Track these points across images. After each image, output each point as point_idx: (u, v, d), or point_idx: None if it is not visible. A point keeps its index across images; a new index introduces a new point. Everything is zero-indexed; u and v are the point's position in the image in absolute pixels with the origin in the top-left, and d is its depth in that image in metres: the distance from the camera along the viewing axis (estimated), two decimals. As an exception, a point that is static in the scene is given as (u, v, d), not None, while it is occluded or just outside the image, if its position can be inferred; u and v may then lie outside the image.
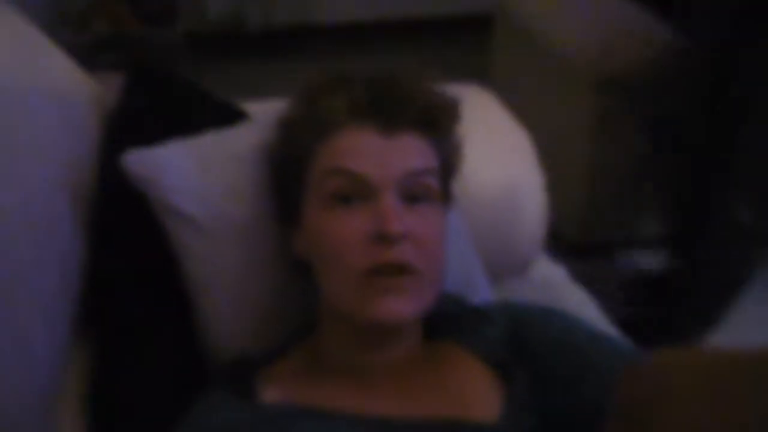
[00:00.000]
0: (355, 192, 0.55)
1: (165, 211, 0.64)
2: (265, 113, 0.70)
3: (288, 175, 0.61)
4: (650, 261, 1.42)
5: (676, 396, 0.34)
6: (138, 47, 1.78)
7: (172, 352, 0.64)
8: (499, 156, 0.85)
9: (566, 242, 1.52)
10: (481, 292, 0.75)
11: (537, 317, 0.61)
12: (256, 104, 0.79)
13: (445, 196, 0.61)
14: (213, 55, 2.18)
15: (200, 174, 0.65)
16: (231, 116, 0.74)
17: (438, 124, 0.59)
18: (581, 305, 0.88)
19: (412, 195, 0.56)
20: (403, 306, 0.53)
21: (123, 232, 0.66)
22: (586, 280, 0.93)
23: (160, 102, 0.71)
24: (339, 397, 0.55)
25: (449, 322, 0.63)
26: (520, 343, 0.59)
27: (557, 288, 0.90)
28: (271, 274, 0.66)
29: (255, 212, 0.65)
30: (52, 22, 1.86)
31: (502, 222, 0.84)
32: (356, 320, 0.55)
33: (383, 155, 0.55)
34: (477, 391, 0.56)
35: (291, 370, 0.60)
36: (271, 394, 0.57)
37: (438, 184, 0.58)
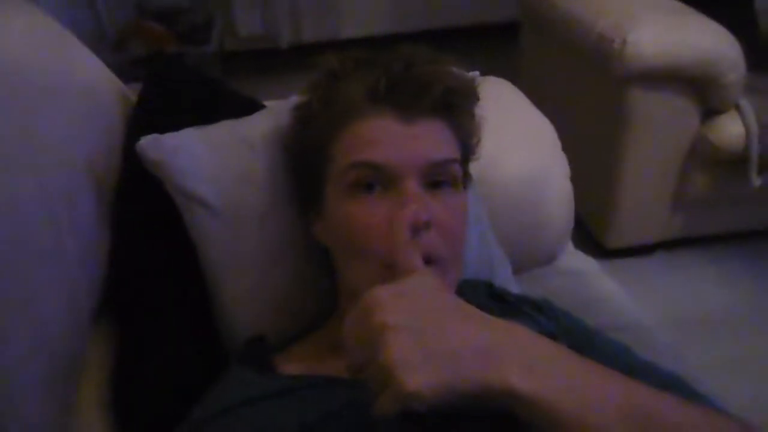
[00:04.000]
0: (378, 180, 0.54)
1: (180, 194, 0.63)
2: (279, 104, 0.70)
3: (307, 162, 0.60)
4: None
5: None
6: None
7: (191, 337, 0.64)
8: (522, 143, 0.84)
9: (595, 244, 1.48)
10: (501, 275, 0.73)
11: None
12: (276, 101, 0.77)
13: (465, 179, 0.60)
14: (245, 71, 2.26)
15: (212, 158, 0.65)
16: (250, 109, 0.73)
17: (457, 109, 0.58)
18: (612, 295, 0.85)
19: (434, 181, 0.55)
20: None
21: (143, 218, 0.66)
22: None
23: (177, 95, 0.72)
24: None
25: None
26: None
27: (586, 277, 0.86)
28: (286, 260, 0.65)
29: (269, 197, 0.65)
30: (93, 44, 1.94)
31: (526, 209, 0.82)
32: None
33: (404, 143, 0.54)
34: None
35: (307, 352, 0.59)
36: (288, 370, 0.57)
37: (460, 171, 0.58)
